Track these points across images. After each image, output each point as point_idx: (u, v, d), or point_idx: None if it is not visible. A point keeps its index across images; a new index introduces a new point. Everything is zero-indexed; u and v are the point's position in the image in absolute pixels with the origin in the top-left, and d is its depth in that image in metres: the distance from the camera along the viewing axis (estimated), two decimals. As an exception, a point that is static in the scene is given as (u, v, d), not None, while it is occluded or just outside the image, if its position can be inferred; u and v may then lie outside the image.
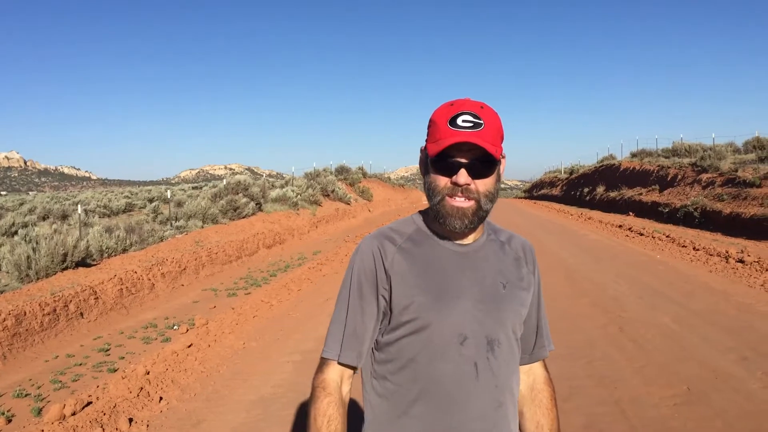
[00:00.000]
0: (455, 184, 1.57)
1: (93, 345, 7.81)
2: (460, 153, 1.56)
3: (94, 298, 9.30)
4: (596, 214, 25.06)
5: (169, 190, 26.97)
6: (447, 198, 1.59)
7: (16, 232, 15.32)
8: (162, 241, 15.44)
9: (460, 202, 1.58)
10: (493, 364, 1.62)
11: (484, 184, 1.60)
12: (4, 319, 7.57)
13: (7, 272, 11.03)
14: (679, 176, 23.11)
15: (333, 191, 29.49)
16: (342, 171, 37.10)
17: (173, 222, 18.67)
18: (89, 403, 5.39)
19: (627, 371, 5.59)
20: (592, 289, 9.16)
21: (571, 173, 44.19)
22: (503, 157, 1.69)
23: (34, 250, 10.86)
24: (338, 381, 1.63)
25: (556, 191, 44.57)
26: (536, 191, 53.01)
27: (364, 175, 39.77)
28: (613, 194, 29.03)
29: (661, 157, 28.78)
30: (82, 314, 8.85)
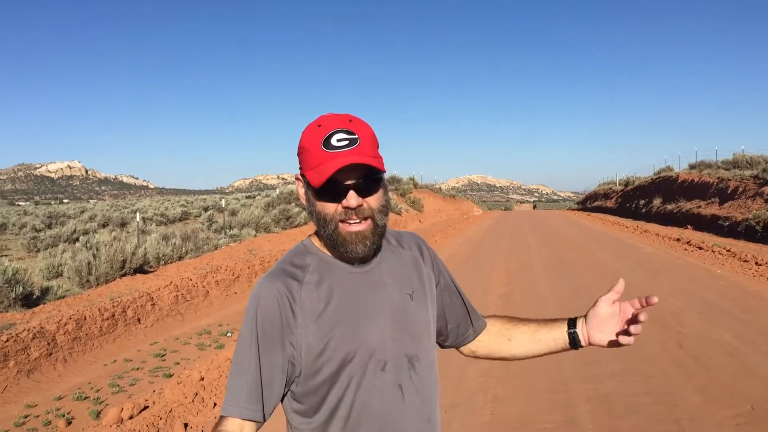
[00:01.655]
0: (347, 207, 1.48)
1: (149, 350, 7.97)
2: (343, 175, 1.45)
3: (151, 305, 9.51)
4: (652, 227, 24.49)
5: (223, 200, 27.50)
6: (340, 224, 1.49)
7: (77, 239, 15.81)
8: (216, 249, 15.72)
9: (355, 225, 1.49)
10: (416, 381, 1.57)
11: (375, 200, 1.51)
12: (66, 324, 7.80)
13: (69, 278, 11.38)
14: (740, 189, 22.43)
15: (384, 201, 29.54)
16: (392, 181, 37.18)
17: (227, 230, 18.99)
18: (146, 408, 5.50)
19: (687, 389, 5.42)
20: (649, 304, 8.92)
21: (626, 185, 43.36)
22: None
23: (94, 256, 11.18)
24: None
25: (610, 203, 43.75)
26: (590, 203, 52.16)
27: (415, 185, 39.81)
28: (670, 207, 28.34)
29: (721, 169, 27.97)
30: (139, 320, 9.06)
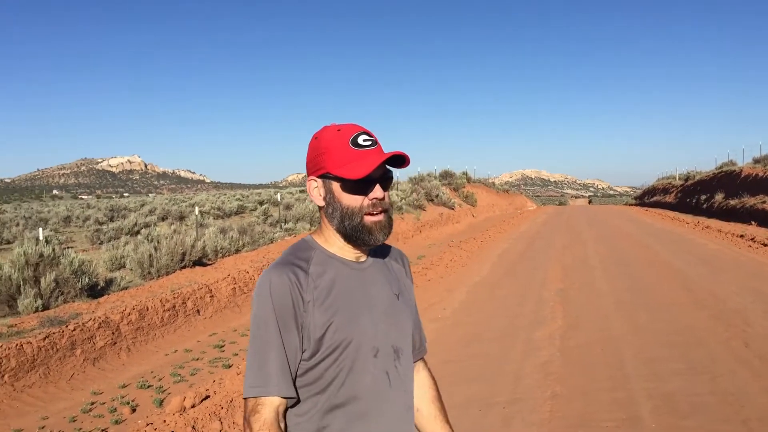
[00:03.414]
0: (375, 199, 1.66)
1: (208, 341, 8.14)
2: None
3: (210, 296, 9.70)
4: (714, 223, 23.78)
5: (278, 194, 27.83)
6: (366, 216, 1.66)
7: (138, 232, 16.24)
8: (272, 242, 15.93)
9: (378, 216, 1.67)
10: (400, 371, 1.73)
11: (388, 196, 1.72)
12: (129, 314, 8.03)
13: (131, 269, 11.70)
14: (809, 183, 21.58)
15: (437, 196, 29.48)
16: (446, 176, 37.04)
17: (282, 224, 19.23)
18: (207, 397, 5.62)
19: (754, 389, 5.25)
20: (712, 302, 8.68)
21: (686, 180, 42.20)
22: None
23: (155, 249, 11.47)
24: (277, 419, 1.60)
25: (669, 198, 42.66)
26: (648, 198, 50.96)
27: (468, 180, 39.54)
28: (733, 202, 27.45)
29: (789, 162, 26.96)
30: (198, 311, 9.25)
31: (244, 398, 1.62)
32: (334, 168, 1.65)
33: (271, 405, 1.59)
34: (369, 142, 1.66)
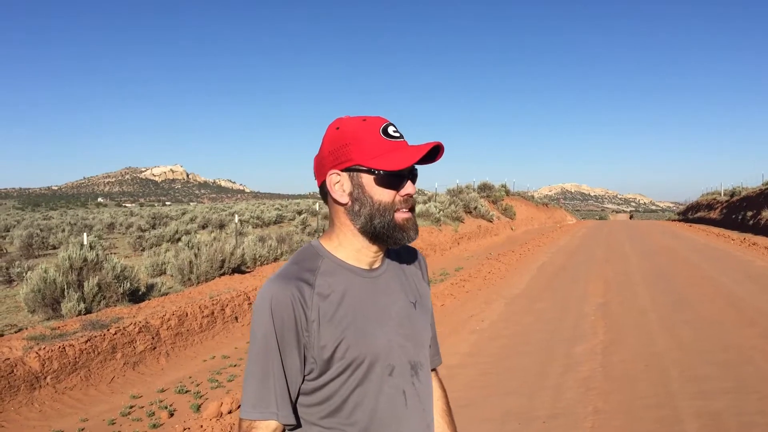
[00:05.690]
0: (407, 195, 1.53)
1: (246, 348, 8.15)
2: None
3: (248, 304, 9.75)
4: (761, 240, 23.15)
5: (317, 203, 27.97)
6: (397, 213, 1.53)
7: (179, 239, 16.43)
8: (310, 251, 15.99)
9: (409, 213, 1.55)
10: (418, 389, 1.60)
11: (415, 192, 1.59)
12: (169, 319, 8.10)
13: (171, 275, 11.85)
14: None
15: (475, 208, 29.29)
16: (485, 188, 36.82)
17: (320, 234, 19.28)
18: (244, 403, 5.62)
19: (807, 411, 5.05)
20: (761, 320, 8.41)
21: (731, 195, 41.25)
22: None
23: (195, 256, 11.59)
24: None
25: (714, 214, 41.72)
26: (692, 214, 49.93)
27: (507, 192, 39.25)
28: (781, 219, 26.71)
29: (840, 179, 26.13)
30: (236, 318, 9.30)
31: (240, 418, 1.51)
32: (365, 159, 1.50)
33: (267, 429, 1.48)
34: (398, 134, 1.53)
